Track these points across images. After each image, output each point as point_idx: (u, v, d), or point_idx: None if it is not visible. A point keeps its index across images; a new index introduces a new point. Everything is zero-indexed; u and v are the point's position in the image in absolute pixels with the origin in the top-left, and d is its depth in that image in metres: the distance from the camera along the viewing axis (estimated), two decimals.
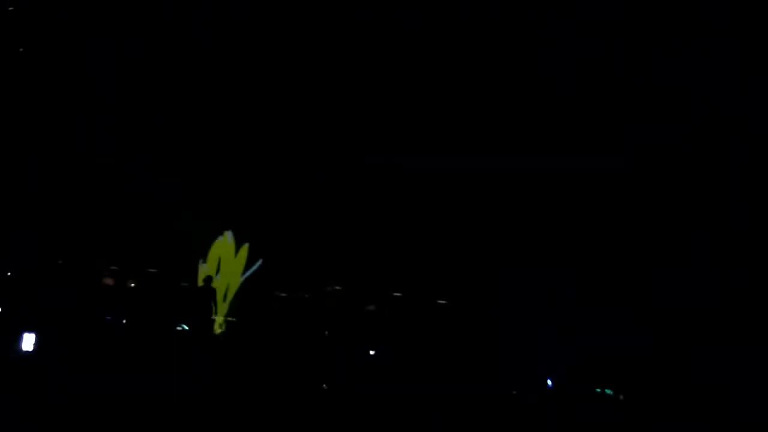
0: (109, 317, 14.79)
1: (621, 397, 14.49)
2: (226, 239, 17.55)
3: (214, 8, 16.84)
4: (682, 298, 15.10)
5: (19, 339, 13.15)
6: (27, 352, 13.15)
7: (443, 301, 16.52)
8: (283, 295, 16.86)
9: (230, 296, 17.30)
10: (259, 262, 17.48)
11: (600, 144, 16.21)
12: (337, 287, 16.95)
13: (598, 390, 14.21)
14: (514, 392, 14.29)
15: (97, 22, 16.72)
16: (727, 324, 14.71)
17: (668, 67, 15.73)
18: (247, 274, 17.46)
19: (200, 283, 16.82)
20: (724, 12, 15.16)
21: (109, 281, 16.22)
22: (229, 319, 16.90)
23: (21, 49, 16.39)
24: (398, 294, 16.72)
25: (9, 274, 15.26)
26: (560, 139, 16.44)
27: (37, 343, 13.23)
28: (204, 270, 17.24)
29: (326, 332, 15.70)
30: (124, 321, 14.88)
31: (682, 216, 15.79)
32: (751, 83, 15.26)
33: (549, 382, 14.56)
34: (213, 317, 16.36)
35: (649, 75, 15.96)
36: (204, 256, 17.46)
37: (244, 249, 17.55)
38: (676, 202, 15.85)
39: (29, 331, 13.16)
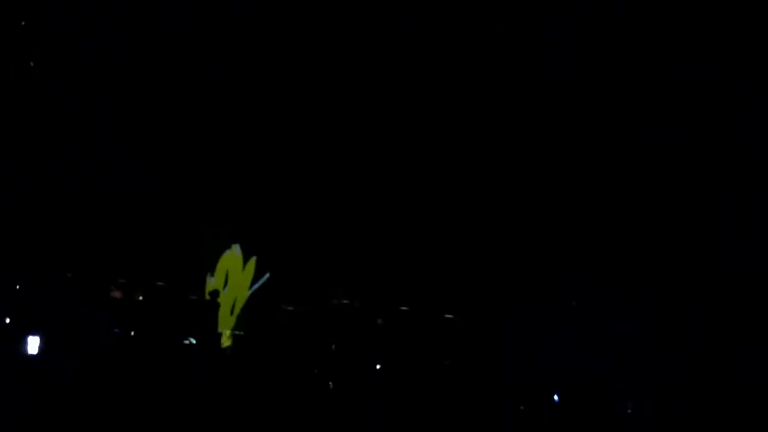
0: (117, 329, 14.87)
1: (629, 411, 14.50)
2: (234, 252, 17.60)
3: (215, 14, 16.91)
4: (685, 301, 15.10)
5: (24, 343, 13.34)
6: (32, 355, 13.33)
7: (450, 316, 16.53)
8: (290, 308, 16.89)
9: (237, 310, 17.34)
10: (266, 276, 17.53)
11: (601, 145, 16.24)
12: (345, 301, 16.98)
13: None
14: (522, 407, 14.33)
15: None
16: (730, 327, 14.71)
17: (668, 68, 15.78)
18: (255, 287, 17.50)
19: (207, 296, 16.82)
20: (725, 12, 15.20)
21: (117, 294, 16.28)
22: (237, 332, 16.91)
23: (32, 63, 16.53)
24: (405, 308, 16.73)
25: (17, 286, 15.33)
26: (560, 141, 16.47)
27: (42, 348, 13.42)
28: (211, 283, 17.28)
29: (333, 346, 15.72)
30: (132, 333, 14.92)
31: (682, 217, 15.79)
32: (752, 83, 15.29)
33: (555, 397, 14.56)
34: (218, 331, 16.36)
35: (649, 75, 16.00)
36: (212, 269, 17.50)
37: (252, 262, 17.59)
38: (676, 203, 15.85)
39: (34, 334, 13.36)
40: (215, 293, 16.73)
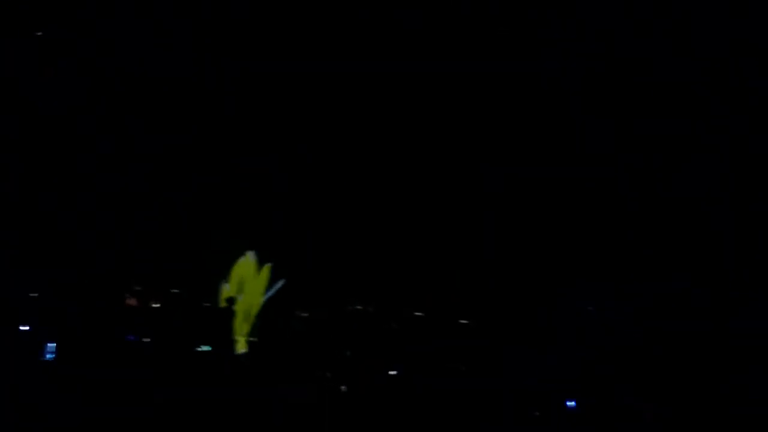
0: (132, 336, 14.92)
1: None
2: (249, 259, 17.60)
3: (217, 16, 16.95)
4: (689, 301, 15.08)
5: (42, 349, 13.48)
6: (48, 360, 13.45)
7: (465, 321, 16.51)
8: (305, 314, 16.89)
9: (252, 317, 17.34)
10: (281, 282, 17.54)
11: (601, 146, 16.24)
12: (359, 307, 16.98)
13: None
14: (537, 413, 14.28)
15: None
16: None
17: (668, 68, 15.78)
18: (270, 294, 17.52)
19: (222, 303, 16.85)
20: (724, 12, 15.21)
21: (132, 301, 16.31)
22: (251, 339, 16.92)
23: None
24: (420, 314, 16.72)
25: (34, 294, 15.41)
26: (561, 143, 16.49)
27: (58, 354, 13.56)
28: (226, 290, 17.28)
29: (348, 352, 15.72)
30: (147, 340, 14.98)
31: (682, 218, 15.76)
32: (749, 83, 15.28)
33: (572, 403, 14.49)
34: (233, 338, 16.39)
35: (649, 75, 15.99)
36: (226, 276, 17.51)
37: (266, 269, 17.61)
38: (677, 203, 15.82)
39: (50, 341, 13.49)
40: (231, 300, 16.78)
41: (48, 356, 13.94)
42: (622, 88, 16.56)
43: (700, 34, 15.84)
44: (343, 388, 14.36)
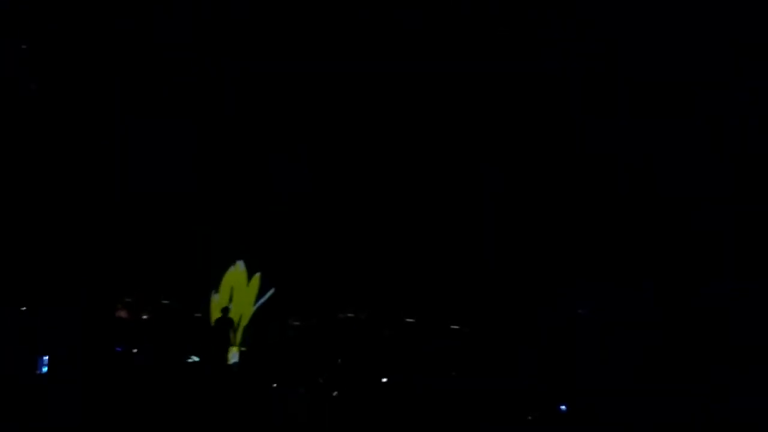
0: (119, 348, 15.00)
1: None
2: (238, 269, 17.60)
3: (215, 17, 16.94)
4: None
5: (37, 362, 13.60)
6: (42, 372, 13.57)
7: (456, 327, 16.43)
8: (296, 323, 16.87)
9: (243, 326, 17.35)
10: (271, 291, 17.53)
11: (602, 146, 16.14)
12: (350, 314, 16.94)
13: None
14: (530, 417, 14.18)
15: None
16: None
17: (668, 67, 15.65)
18: (260, 303, 17.51)
19: (215, 313, 16.88)
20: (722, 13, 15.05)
21: (122, 313, 16.36)
22: (242, 348, 16.93)
23: (33, 86, 16.72)
24: (411, 320, 16.66)
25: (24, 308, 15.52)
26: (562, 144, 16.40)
27: (50, 367, 13.66)
28: (216, 300, 17.30)
29: (339, 360, 15.71)
30: (135, 351, 15.05)
31: (685, 217, 15.64)
32: (749, 83, 15.11)
33: (563, 407, 14.39)
34: (229, 347, 16.44)
35: (650, 76, 15.87)
36: (216, 286, 17.51)
37: (256, 278, 17.60)
38: (679, 202, 15.70)
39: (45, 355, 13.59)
40: (226, 310, 16.82)
41: (41, 369, 14.05)
42: (622, 88, 16.43)
43: (699, 34, 15.70)
44: (335, 394, 14.35)
